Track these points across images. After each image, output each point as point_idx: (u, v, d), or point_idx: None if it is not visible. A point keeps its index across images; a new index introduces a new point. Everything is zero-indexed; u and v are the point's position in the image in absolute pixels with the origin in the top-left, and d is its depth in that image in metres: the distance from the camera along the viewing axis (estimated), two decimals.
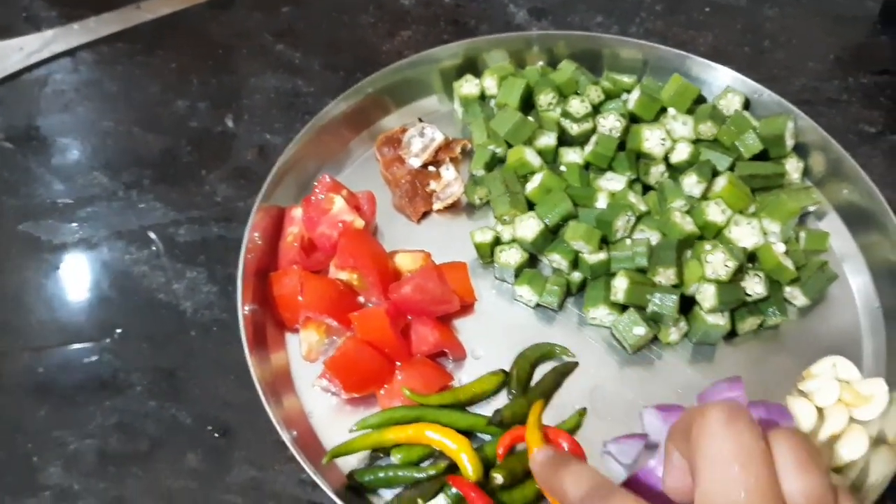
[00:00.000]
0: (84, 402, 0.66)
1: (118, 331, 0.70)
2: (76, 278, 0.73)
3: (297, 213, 0.73)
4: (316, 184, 0.73)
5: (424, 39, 0.92)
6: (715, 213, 0.70)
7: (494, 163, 0.79)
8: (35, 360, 0.68)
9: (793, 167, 0.76)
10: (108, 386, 0.67)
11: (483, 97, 0.83)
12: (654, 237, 0.70)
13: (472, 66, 0.85)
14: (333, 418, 0.65)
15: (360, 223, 0.71)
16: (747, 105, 0.80)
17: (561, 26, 0.93)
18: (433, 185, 0.78)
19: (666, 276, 0.67)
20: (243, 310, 0.66)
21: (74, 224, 0.76)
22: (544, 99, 0.79)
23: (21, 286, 0.73)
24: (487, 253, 0.73)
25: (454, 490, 0.60)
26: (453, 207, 0.77)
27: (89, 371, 0.68)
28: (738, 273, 0.67)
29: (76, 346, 0.69)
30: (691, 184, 0.73)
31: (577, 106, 0.77)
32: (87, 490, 0.62)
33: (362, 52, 0.91)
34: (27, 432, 0.65)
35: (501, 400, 0.66)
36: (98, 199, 0.78)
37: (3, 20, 0.92)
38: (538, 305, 0.71)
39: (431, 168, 0.79)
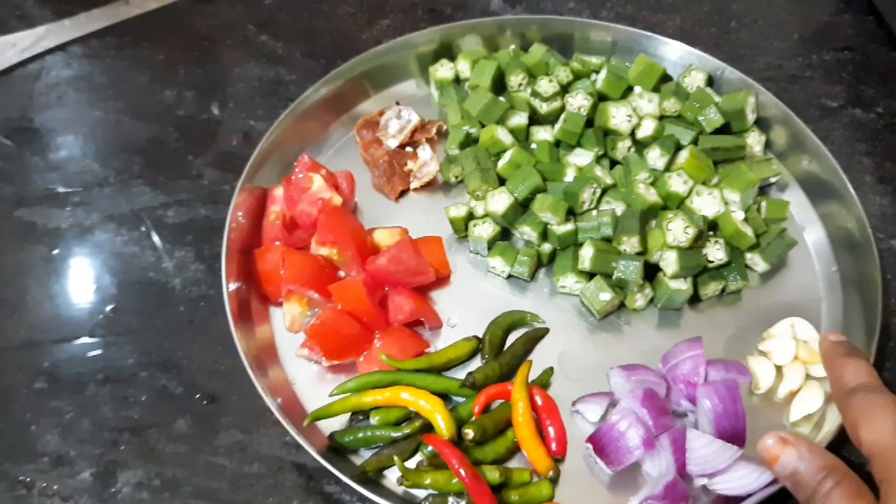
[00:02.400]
0: (78, 373, 0.70)
1: (111, 307, 0.73)
2: (70, 259, 0.76)
3: (279, 192, 0.76)
4: (296, 164, 0.77)
5: (402, 27, 0.95)
6: (677, 184, 0.73)
7: (468, 142, 0.82)
8: (31, 333, 0.72)
9: (754, 140, 0.79)
10: (101, 358, 0.70)
11: (457, 80, 0.86)
12: (620, 208, 0.73)
13: (448, 51, 0.88)
14: (315, 385, 0.69)
15: (338, 200, 0.74)
16: (711, 83, 0.83)
17: (534, 12, 0.96)
18: (410, 164, 0.81)
19: (630, 244, 0.71)
20: (228, 286, 0.69)
21: (68, 209, 0.79)
22: (515, 80, 0.83)
23: (17, 268, 0.76)
24: (462, 227, 0.76)
25: (430, 448, 0.63)
26: (430, 186, 0.81)
27: (83, 344, 0.71)
28: (699, 240, 0.70)
29: (71, 321, 0.72)
30: (655, 157, 0.76)
31: (545, 86, 0.81)
32: (83, 455, 0.66)
33: (342, 41, 0.94)
34: (24, 403, 0.68)
35: (475, 365, 0.70)
36: (90, 186, 0.81)
37: None
38: (510, 276, 0.75)
39: (408, 149, 0.83)
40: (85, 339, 0.71)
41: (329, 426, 0.66)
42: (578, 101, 0.80)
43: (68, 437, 0.66)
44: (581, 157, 0.78)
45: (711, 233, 0.73)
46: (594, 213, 0.73)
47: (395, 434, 0.64)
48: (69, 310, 0.73)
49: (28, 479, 0.64)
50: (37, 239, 0.78)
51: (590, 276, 0.72)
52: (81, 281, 0.75)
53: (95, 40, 0.93)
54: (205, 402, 0.68)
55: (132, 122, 0.86)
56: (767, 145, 0.81)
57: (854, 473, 0.48)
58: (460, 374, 0.69)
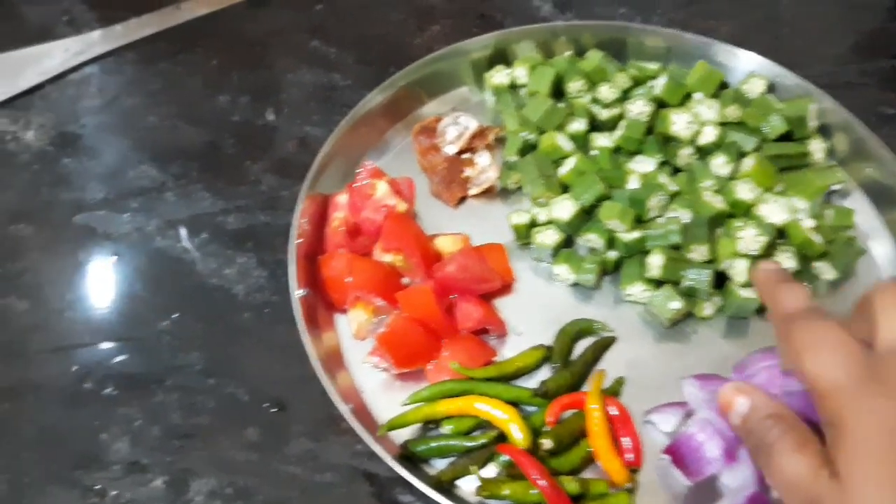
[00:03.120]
0: (145, 380, 0.69)
1: (175, 315, 0.73)
2: (132, 266, 0.76)
3: (342, 199, 0.76)
4: (359, 170, 0.76)
5: (452, 33, 0.95)
6: (744, 191, 0.73)
7: (526, 149, 0.81)
8: (96, 339, 0.72)
9: (817, 147, 0.79)
10: (167, 365, 0.70)
11: (514, 86, 0.86)
12: (686, 216, 0.73)
13: (502, 57, 0.88)
14: (384, 393, 0.68)
15: (402, 207, 0.74)
16: (771, 89, 0.83)
17: (585, 17, 0.96)
18: (468, 171, 0.81)
19: (699, 252, 0.70)
20: (296, 292, 0.69)
21: (127, 215, 0.79)
22: (574, 86, 0.82)
23: (79, 273, 0.76)
24: (524, 234, 0.76)
25: (504, 457, 0.62)
26: (488, 193, 0.80)
27: (151, 352, 0.71)
28: (769, 248, 0.70)
29: (137, 327, 0.72)
30: (719, 164, 0.76)
31: (606, 92, 0.80)
32: (154, 463, 0.65)
33: (393, 47, 0.94)
34: (93, 410, 0.68)
35: (543, 373, 0.69)
36: (148, 191, 0.81)
37: (46, 22, 0.95)
38: (575, 284, 0.74)
39: (466, 155, 0.82)
40: (152, 346, 0.71)
41: (399, 435, 0.66)
42: (638, 108, 0.80)
43: (139, 445, 0.66)
44: (643, 164, 0.77)
45: (780, 241, 0.72)
46: (661, 220, 0.73)
47: (470, 444, 0.63)
48: (134, 316, 0.73)
49: (100, 487, 0.64)
50: (97, 245, 0.78)
51: (657, 284, 0.72)
52: (144, 287, 0.75)
53: (147, 45, 0.93)
54: (273, 410, 0.68)
55: (188, 127, 0.86)
56: (829, 152, 0.80)
57: (803, 423, 0.46)
58: (528, 382, 0.69)
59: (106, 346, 0.71)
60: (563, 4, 0.98)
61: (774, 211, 0.72)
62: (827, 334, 0.44)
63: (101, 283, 0.75)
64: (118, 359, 0.71)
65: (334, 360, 0.70)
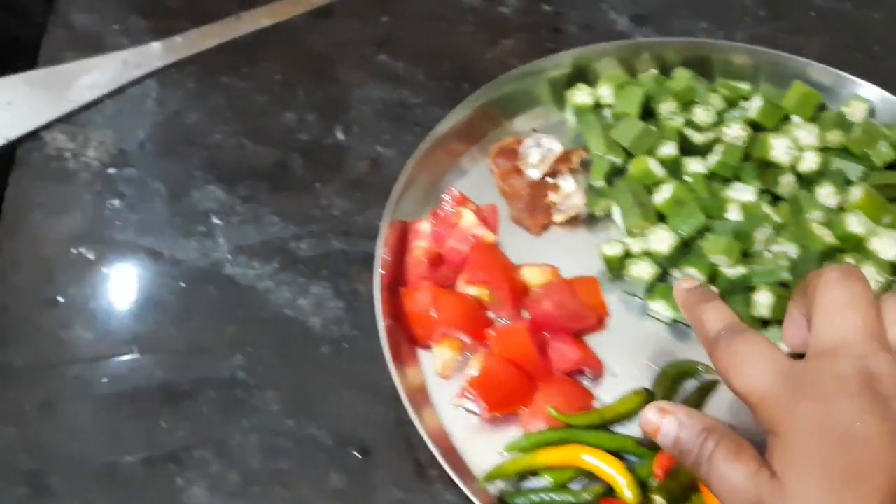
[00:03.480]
0: (221, 420, 0.66)
1: (249, 349, 0.69)
2: (202, 294, 0.72)
3: (424, 226, 0.72)
4: (444, 197, 0.72)
5: (526, 47, 0.91)
6: (855, 224, 0.68)
7: (613, 173, 0.77)
8: (169, 375, 0.68)
9: None
10: (244, 404, 0.66)
11: (597, 106, 0.81)
12: (792, 250, 0.69)
13: (582, 75, 0.83)
14: (474, 437, 0.64)
15: (491, 238, 0.70)
16: (871, 113, 0.78)
17: (664, 32, 0.92)
18: (552, 196, 0.77)
19: None
20: (383, 325, 0.65)
21: (195, 239, 0.75)
22: (665, 108, 0.78)
23: (146, 301, 0.72)
24: (617, 267, 0.72)
25: None
26: (573, 219, 0.76)
27: (226, 389, 0.67)
28: (887, 286, 0.65)
29: (210, 363, 0.68)
30: (826, 194, 0.71)
31: (701, 115, 0.76)
32: None
33: (465, 62, 0.89)
34: (167, 453, 0.64)
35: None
36: (216, 213, 0.77)
37: (98, 32, 0.91)
38: (673, 321, 0.70)
39: (549, 179, 0.78)
40: (226, 384, 0.67)
41: (493, 486, 0.62)
42: (735, 132, 0.75)
43: (217, 492, 0.62)
44: (742, 192, 0.73)
45: (893, 278, 0.68)
46: (768, 255, 0.68)
47: (575, 499, 0.59)
48: (206, 351, 0.69)
49: None
50: (165, 271, 0.74)
51: (764, 323, 0.67)
52: (215, 318, 0.71)
53: (208, 58, 0.89)
54: (357, 455, 0.64)
55: (254, 145, 0.82)
56: None
57: (733, 431, 0.46)
58: (627, 429, 0.64)
59: (178, 385, 0.67)
60: (641, 18, 0.93)
61: (887, 245, 0.68)
62: (749, 348, 0.45)
63: (170, 313, 0.71)
64: (191, 397, 0.66)
65: (420, 400, 0.66)
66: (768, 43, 0.89)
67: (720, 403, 0.66)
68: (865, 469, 0.39)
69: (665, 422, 0.48)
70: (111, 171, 0.80)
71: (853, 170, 0.73)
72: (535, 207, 0.76)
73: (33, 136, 0.82)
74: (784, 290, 0.66)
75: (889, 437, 0.39)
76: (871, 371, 0.41)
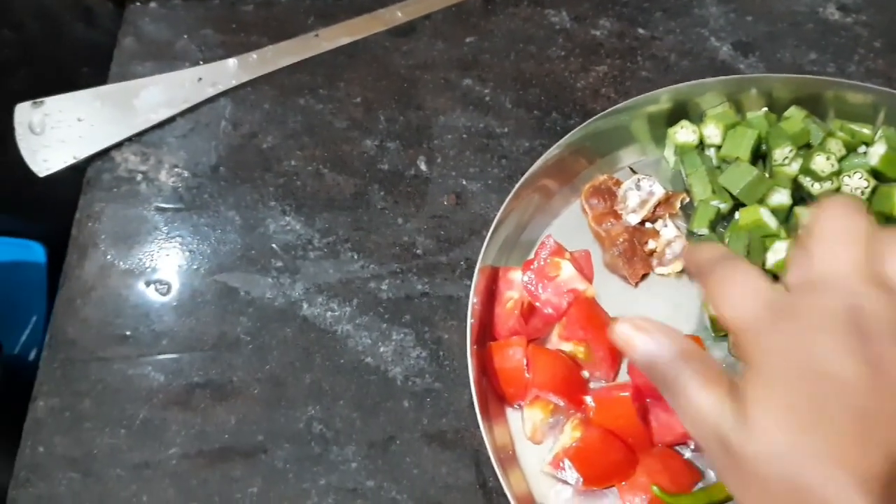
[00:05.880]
0: (298, 478, 0.62)
1: (326, 399, 0.65)
2: (277, 335, 0.68)
3: (516, 276, 0.67)
4: (539, 246, 0.67)
5: (620, 75, 0.85)
6: None
7: (718, 220, 0.72)
8: (239, 426, 0.64)
9: None
10: (322, 460, 0.62)
11: (701, 146, 0.76)
12: None
13: (683, 111, 0.78)
14: None
15: (591, 292, 0.65)
16: None
17: (770, 62, 0.85)
18: (651, 243, 0.71)
19: None
20: (475, 379, 0.60)
21: (271, 276, 0.71)
22: (780, 153, 0.72)
23: (220, 339, 0.68)
24: (722, 327, 0.66)
25: None
26: (675, 270, 0.71)
27: (302, 442, 0.63)
28: None
29: (284, 416, 0.64)
30: None
31: (822, 163, 0.70)
32: None
33: (555, 89, 0.84)
34: None
35: None
36: (294, 248, 0.73)
37: (170, 43, 0.88)
38: None
39: (647, 224, 0.73)
40: (302, 438, 0.63)
41: None
42: (856, 182, 0.69)
43: None
44: None
45: None
46: None
47: None
48: (281, 399, 0.65)
49: None
50: (239, 309, 0.70)
51: None
52: (291, 363, 0.67)
53: (285, 78, 0.85)
54: None
55: (332, 174, 0.78)
56: None
57: (712, 358, 0.43)
58: None
59: (249, 437, 0.63)
60: (744, 46, 0.87)
61: None
62: (739, 277, 0.43)
63: (246, 356, 0.67)
64: (264, 453, 0.63)
65: (508, 465, 0.61)
66: (885, 78, 0.83)
67: None
68: (835, 411, 0.36)
69: (640, 339, 0.45)
70: (184, 196, 0.76)
71: None
72: (633, 255, 0.71)
73: (103, 154, 0.79)
74: None
75: (865, 380, 0.36)
76: (861, 307, 0.38)
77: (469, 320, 0.63)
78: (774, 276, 0.67)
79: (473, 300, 0.64)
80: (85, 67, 0.87)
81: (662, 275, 0.70)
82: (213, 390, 0.66)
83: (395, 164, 0.79)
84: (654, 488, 0.57)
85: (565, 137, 0.73)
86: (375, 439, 0.63)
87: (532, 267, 0.66)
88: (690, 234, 0.72)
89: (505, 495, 0.58)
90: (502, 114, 0.82)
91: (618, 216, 0.73)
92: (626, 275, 0.71)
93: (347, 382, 0.66)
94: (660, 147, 0.78)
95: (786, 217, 0.70)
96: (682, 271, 0.70)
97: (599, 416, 0.60)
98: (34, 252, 1.09)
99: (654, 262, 0.71)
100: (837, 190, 0.70)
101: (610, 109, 0.75)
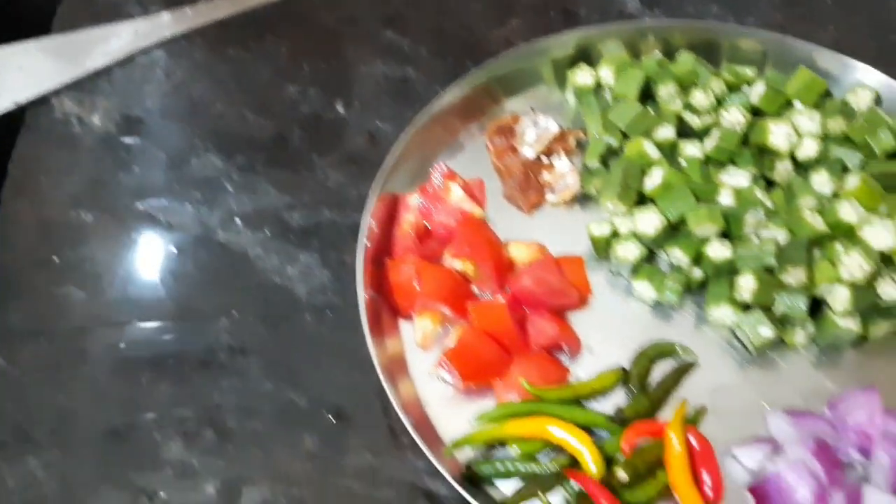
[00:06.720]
0: (202, 381, 0.67)
1: (234, 312, 0.70)
2: (193, 259, 0.74)
3: (413, 200, 0.72)
4: (432, 171, 0.73)
5: (533, 27, 0.90)
6: (848, 212, 0.67)
7: (609, 154, 0.77)
8: (153, 336, 0.69)
9: None
10: (225, 366, 0.68)
11: (598, 87, 0.81)
12: (781, 235, 0.68)
13: (585, 56, 0.83)
14: (448, 407, 0.65)
15: (479, 213, 0.70)
16: (877, 101, 0.76)
17: (674, 15, 0.90)
18: (546, 175, 0.77)
19: (796, 276, 0.65)
20: (364, 295, 0.66)
21: (189, 205, 0.77)
22: (665, 91, 0.77)
23: (139, 264, 0.74)
24: (604, 247, 0.71)
25: (574, 485, 0.58)
26: (567, 200, 0.76)
27: (207, 351, 0.68)
28: (873, 275, 0.64)
29: (194, 324, 0.70)
30: (822, 181, 0.70)
31: (700, 99, 0.75)
32: (207, 468, 0.63)
33: (470, 40, 0.89)
34: (149, 408, 0.66)
35: (617, 396, 0.65)
36: (212, 181, 0.78)
37: (114, 1, 0.93)
38: (656, 302, 0.69)
39: (544, 158, 0.78)
40: (209, 346, 0.69)
41: (462, 452, 0.62)
42: (734, 117, 0.74)
43: (192, 448, 0.64)
44: (736, 177, 0.72)
45: (884, 267, 0.66)
46: (755, 239, 0.68)
47: (539, 469, 0.59)
48: (192, 312, 0.71)
49: (151, 489, 0.62)
50: (159, 235, 0.75)
51: (746, 307, 0.66)
52: (204, 282, 0.73)
53: (216, 31, 0.90)
54: (332, 419, 0.65)
55: (255, 117, 0.83)
56: None
57: None
58: (601, 405, 0.64)
59: (162, 344, 0.69)
60: (651, 1, 0.92)
61: (880, 235, 0.66)
62: None
63: (160, 275, 0.73)
64: (176, 356, 0.68)
65: (397, 369, 0.67)
66: (780, 29, 0.88)
67: (697, 385, 0.65)
68: None
69: None
70: (114, 136, 0.82)
71: (852, 158, 0.72)
72: (527, 186, 0.76)
73: (42, 100, 0.84)
74: (768, 275, 0.66)
75: None
76: None
77: (362, 241, 0.68)
78: (652, 201, 0.72)
79: (370, 222, 0.70)
80: (28, 19, 0.92)
81: (554, 203, 0.75)
82: (129, 305, 0.71)
83: (315, 108, 0.84)
84: (523, 382, 0.62)
85: (468, 75, 0.79)
86: (275, 347, 0.69)
87: (426, 191, 0.72)
88: (584, 168, 0.77)
89: (396, 396, 0.63)
90: (419, 62, 0.88)
91: (516, 151, 0.78)
92: (521, 204, 0.76)
93: (255, 299, 0.71)
94: (564, 90, 0.83)
95: (670, 150, 0.75)
96: (569, 198, 0.75)
97: (478, 320, 0.65)
98: None
99: (548, 192, 0.76)
100: (716, 124, 0.75)
101: (513, 50, 0.81)
